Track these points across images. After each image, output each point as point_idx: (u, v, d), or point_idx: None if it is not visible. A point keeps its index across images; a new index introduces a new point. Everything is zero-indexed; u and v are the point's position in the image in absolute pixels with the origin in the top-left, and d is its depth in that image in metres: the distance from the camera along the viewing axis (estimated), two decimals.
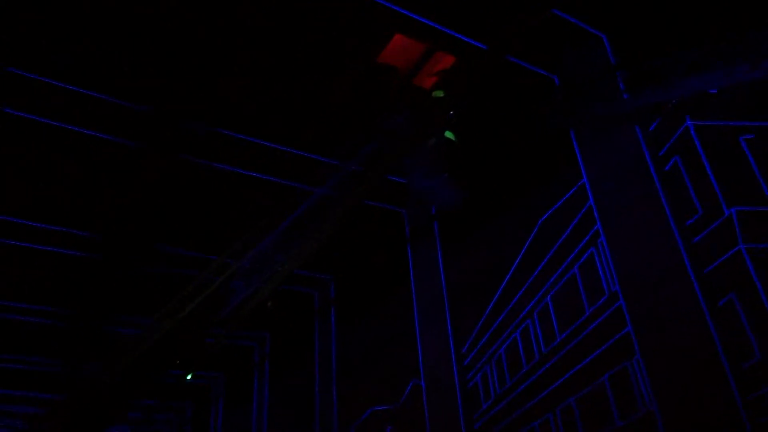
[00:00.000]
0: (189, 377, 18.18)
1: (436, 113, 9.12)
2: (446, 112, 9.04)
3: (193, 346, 12.47)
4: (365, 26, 9.37)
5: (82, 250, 14.44)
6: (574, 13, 8.93)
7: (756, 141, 6.90)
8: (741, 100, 7.16)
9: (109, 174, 12.21)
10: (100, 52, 9.82)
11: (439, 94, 9.36)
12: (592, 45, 8.96)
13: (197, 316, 11.92)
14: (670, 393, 6.72)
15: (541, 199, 9.66)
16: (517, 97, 10.16)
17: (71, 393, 13.18)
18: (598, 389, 7.89)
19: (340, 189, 11.00)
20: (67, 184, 12.47)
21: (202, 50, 9.92)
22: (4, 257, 13.92)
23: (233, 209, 13.14)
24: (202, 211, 13.38)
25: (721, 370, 6.21)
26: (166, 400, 23.31)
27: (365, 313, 14.12)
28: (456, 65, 9.44)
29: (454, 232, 11.62)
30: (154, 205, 13.19)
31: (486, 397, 9.81)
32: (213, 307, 12.01)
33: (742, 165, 6.83)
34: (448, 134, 9.28)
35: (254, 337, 19.53)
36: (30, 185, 12.44)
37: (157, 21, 9.38)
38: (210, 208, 13.27)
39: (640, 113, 7.91)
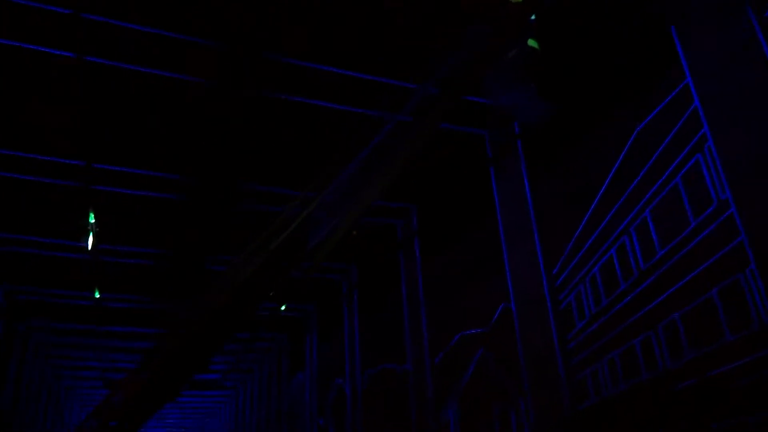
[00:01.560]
0: (282, 309, 19.00)
1: (516, 20, 8.42)
2: (527, 17, 8.32)
3: (282, 279, 12.86)
4: None
5: (174, 192, 15.05)
6: None
7: None
8: None
9: (192, 116, 12.45)
10: None
11: None
12: None
13: (284, 251, 12.19)
14: None
15: (638, 107, 8.90)
16: None
17: (172, 329, 14.05)
18: (706, 304, 7.37)
19: (417, 113, 10.63)
20: (155, 129, 12.86)
21: None
22: (106, 204, 14.76)
23: (312, 142, 13.14)
24: (283, 146, 13.48)
25: None
26: (263, 333, 24.62)
27: (450, 240, 13.96)
28: None
29: (540, 150, 11.05)
30: (237, 144, 13.42)
31: (580, 317, 9.50)
32: (299, 241, 12.22)
33: None
34: (531, 42, 8.58)
35: (342, 269, 19.99)
36: (122, 133, 12.94)
37: None
38: (290, 142, 13.33)
39: None
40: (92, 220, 14.03)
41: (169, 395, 14.71)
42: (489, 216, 12.05)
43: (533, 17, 8.35)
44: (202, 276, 17.16)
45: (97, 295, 18.69)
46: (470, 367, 12.40)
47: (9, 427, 21.07)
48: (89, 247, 15.00)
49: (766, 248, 6.60)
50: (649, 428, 7.93)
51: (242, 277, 12.52)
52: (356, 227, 12.18)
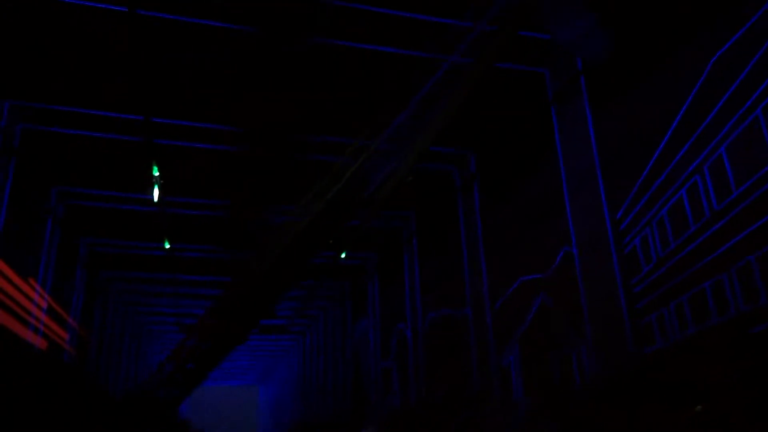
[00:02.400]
0: (342, 256, 19.33)
1: None
2: None
3: (340, 228, 13.00)
4: None
5: (234, 144, 15.32)
6: None
7: None
8: None
9: (247, 66, 12.48)
10: None
11: None
12: None
13: (341, 199, 12.26)
14: None
15: (712, 36, 8.19)
16: None
17: (238, 277, 14.57)
18: None
19: (472, 53, 10.22)
20: (213, 82, 13.00)
21: None
22: (172, 158, 15.21)
23: (366, 89, 12.96)
24: (337, 94, 13.37)
25: None
26: (326, 280, 25.24)
27: (509, 185, 13.64)
28: None
29: (604, 87, 10.44)
30: (292, 94, 13.41)
31: (646, 261, 9.13)
32: (356, 189, 12.24)
33: None
34: None
35: (401, 217, 20.03)
36: (184, 88, 13.16)
37: None
38: (344, 90, 13.20)
39: None
40: (156, 173, 14.50)
41: (237, 340, 15.48)
42: (550, 159, 11.63)
43: None
44: (263, 225, 17.60)
45: (167, 246, 19.54)
46: (530, 312, 12.29)
47: (97, 370, 22.77)
48: (156, 200, 15.60)
49: None
50: (720, 371, 7.64)
51: (301, 226, 12.78)
52: (412, 174, 12.06)
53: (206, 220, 19.15)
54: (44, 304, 16.48)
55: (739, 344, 7.33)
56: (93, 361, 22.43)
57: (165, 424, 17.14)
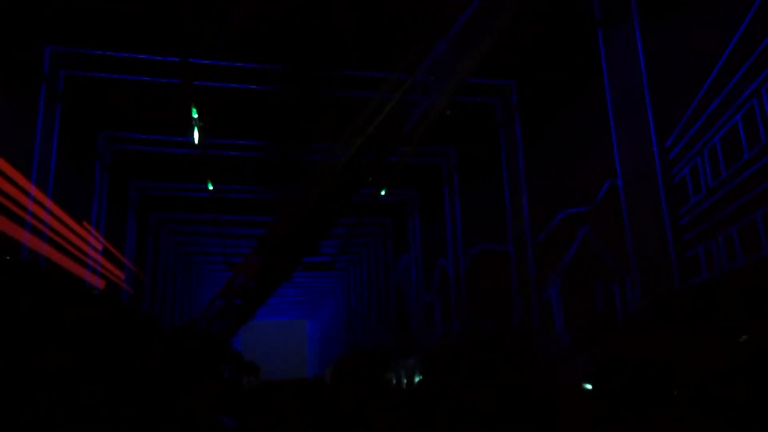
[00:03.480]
0: (382, 193, 19.35)
1: None
2: None
3: (380, 164, 12.91)
4: None
5: (272, 83, 15.24)
6: None
7: None
8: None
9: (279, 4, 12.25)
10: None
11: None
12: None
13: (380, 135, 12.11)
14: None
15: None
16: None
17: (281, 215, 14.78)
18: None
19: None
20: (248, 22, 12.83)
21: None
22: (212, 99, 15.28)
23: (401, 21, 12.55)
24: (373, 27, 13.02)
25: None
26: (368, 218, 25.43)
27: (552, 115, 13.20)
28: None
29: (655, 5, 9.79)
30: (328, 29, 13.13)
31: (695, 191, 8.80)
32: (394, 124, 12.06)
33: None
34: None
35: (440, 152, 19.78)
36: (215, 26, 13.04)
37: None
38: (378, 23, 12.83)
39: None
40: (196, 115, 14.61)
41: (282, 277, 15.90)
42: (595, 86, 11.12)
43: None
44: (304, 164, 17.68)
45: (210, 187, 19.93)
46: (573, 246, 12.13)
47: (152, 307, 23.93)
48: (196, 142, 15.80)
49: None
50: None
51: (341, 164, 12.77)
52: (451, 107, 11.77)
53: (248, 161, 19.37)
54: (99, 246, 17.21)
55: None
56: (148, 299, 23.52)
57: (219, 356, 18.03)
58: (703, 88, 8.76)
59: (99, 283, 16.98)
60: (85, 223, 16.09)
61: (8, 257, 9.33)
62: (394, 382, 21.29)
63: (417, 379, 18.84)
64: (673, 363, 5.52)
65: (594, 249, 11.48)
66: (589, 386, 8.81)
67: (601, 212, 11.12)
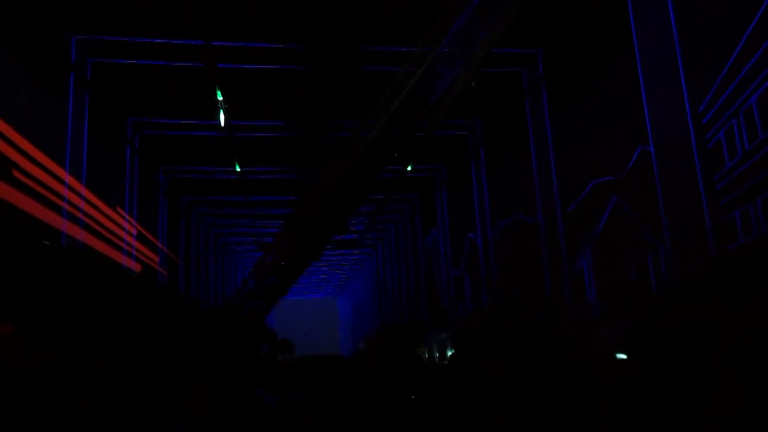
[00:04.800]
0: (408, 169, 19.29)
1: None
2: None
3: (406, 139, 12.84)
4: None
5: (295, 62, 15.20)
6: None
7: None
8: None
9: None
10: None
11: None
12: None
13: (405, 110, 12.03)
14: None
15: None
16: None
17: (308, 195, 14.87)
18: None
19: None
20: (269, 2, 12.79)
21: None
22: (235, 80, 15.33)
23: None
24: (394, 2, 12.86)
25: None
26: (395, 194, 25.42)
27: (580, 83, 12.93)
28: None
29: None
30: (348, 5, 13.01)
31: (731, 155, 8.57)
32: (419, 99, 11.96)
33: None
34: None
35: (466, 125, 19.59)
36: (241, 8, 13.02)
37: None
38: None
39: None
40: (221, 98, 14.69)
41: (312, 255, 16.06)
42: (625, 51, 10.82)
43: None
44: (330, 142, 17.69)
45: (238, 169, 20.12)
46: (604, 216, 11.97)
47: (186, 289, 24.45)
48: (222, 125, 15.91)
49: None
50: None
51: (367, 140, 12.74)
52: (477, 79, 11.61)
53: (275, 141, 19.47)
54: (134, 231, 17.58)
55: None
56: (183, 281, 24.03)
57: (254, 333, 18.42)
58: (737, 48, 8.48)
59: (135, 267, 17.40)
60: (118, 209, 16.45)
61: (48, 243, 9.63)
62: (426, 355, 21.50)
63: (449, 353, 18.97)
64: (722, 329, 5.44)
65: (625, 218, 11.31)
66: (623, 355, 8.75)
67: (632, 180, 10.92)
